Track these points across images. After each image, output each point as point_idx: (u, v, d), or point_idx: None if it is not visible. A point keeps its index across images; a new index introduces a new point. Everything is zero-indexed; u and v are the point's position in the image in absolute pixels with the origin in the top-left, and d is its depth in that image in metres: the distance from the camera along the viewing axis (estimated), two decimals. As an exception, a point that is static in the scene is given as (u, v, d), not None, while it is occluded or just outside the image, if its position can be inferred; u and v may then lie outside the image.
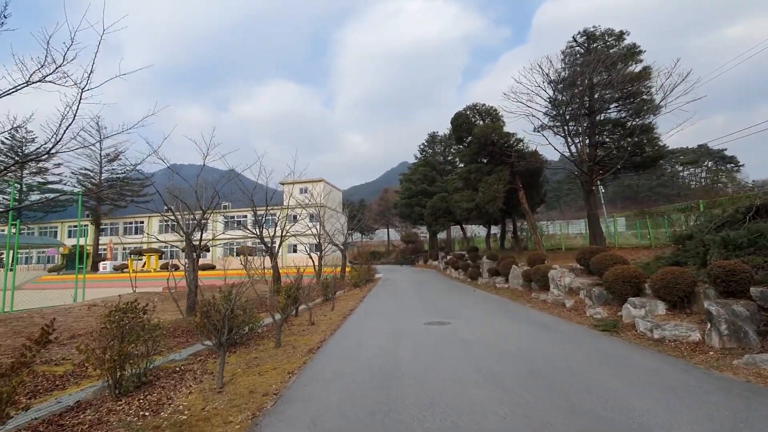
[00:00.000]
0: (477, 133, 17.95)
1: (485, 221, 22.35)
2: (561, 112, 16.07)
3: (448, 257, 33.58)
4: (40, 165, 53.48)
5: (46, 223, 57.92)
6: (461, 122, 20.64)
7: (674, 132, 14.12)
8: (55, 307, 14.58)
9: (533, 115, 16.30)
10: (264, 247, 17.98)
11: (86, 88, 5.51)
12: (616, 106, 18.22)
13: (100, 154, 52.00)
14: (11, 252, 17.14)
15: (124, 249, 53.75)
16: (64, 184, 53.53)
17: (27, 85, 5.66)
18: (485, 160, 19.61)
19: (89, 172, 51.98)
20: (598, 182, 18.34)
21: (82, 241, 20.83)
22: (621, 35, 17.36)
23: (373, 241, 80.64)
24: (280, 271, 16.89)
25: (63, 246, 53.04)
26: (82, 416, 4.67)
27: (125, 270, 42.09)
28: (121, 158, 51.56)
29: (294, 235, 21.70)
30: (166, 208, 12.18)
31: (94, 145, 48.95)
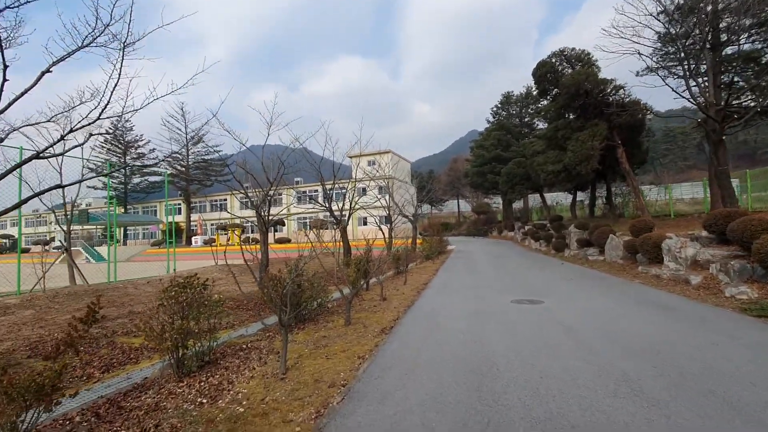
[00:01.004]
0: (566, 82, 15.40)
1: (573, 186, 19.77)
2: (679, 47, 13.02)
3: (527, 227, 31.13)
4: (139, 151, 59.43)
5: (148, 203, 64.63)
6: (545, 72, 18.00)
7: None
8: (149, 278, 15.65)
9: (640, 53, 13.42)
10: (334, 220, 17.66)
11: (127, 43, 5.02)
12: (749, 36, 14.50)
13: (186, 138, 56.25)
14: (112, 229, 18.82)
15: (212, 225, 58.40)
16: (159, 167, 59.02)
17: (79, 50, 5.31)
18: (574, 115, 16.97)
19: (178, 155, 56.52)
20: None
21: (171, 219, 22.38)
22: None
23: (443, 213, 78.82)
24: (350, 243, 16.49)
25: (161, 223, 59.14)
26: (143, 398, 4.32)
27: (213, 244, 45.65)
28: (204, 141, 55.25)
29: (363, 207, 21.24)
30: (238, 185, 12.12)
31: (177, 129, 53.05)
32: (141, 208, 65.53)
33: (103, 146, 56.24)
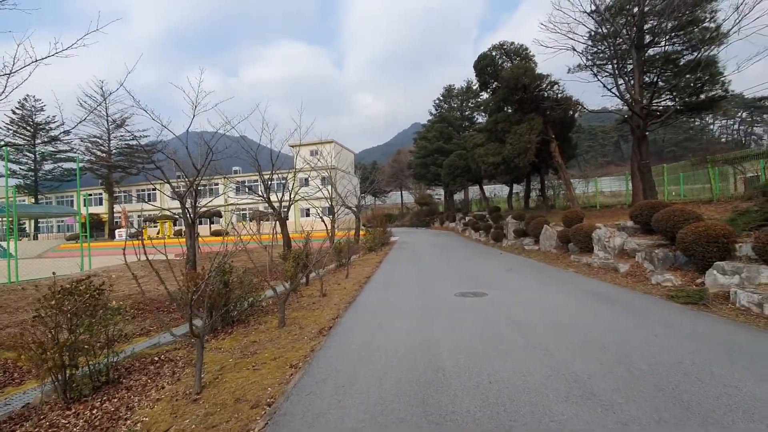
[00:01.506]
0: (506, 76, 15.66)
1: (512, 178, 20.42)
2: (609, 45, 13.67)
3: (467, 218, 31.92)
4: (51, 134, 52.75)
5: (63, 192, 57.78)
6: (486, 64, 18.24)
7: (745, 66, 11.71)
8: (58, 277, 13.68)
9: (575, 49, 13.93)
10: (273, 212, 16.65)
11: None
12: (670, 39, 15.62)
13: (107, 120, 50.77)
14: (11, 221, 16.24)
15: (139, 216, 53.66)
16: (75, 152, 52.81)
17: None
18: (512, 109, 17.38)
19: (98, 140, 50.95)
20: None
21: (86, 210, 19.87)
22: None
23: (387, 204, 79.21)
24: (291, 235, 15.64)
25: (81, 215, 53.05)
26: (17, 432, 3.45)
27: (140, 237, 41.84)
28: (128, 124, 50.20)
29: (305, 198, 20.38)
30: (166, 174, 10.81)
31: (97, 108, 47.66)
32: (55, 198, 58.43)
33: (8, 128, 49.06)
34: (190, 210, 10.94)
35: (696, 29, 14.57)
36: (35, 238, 48.64)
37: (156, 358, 5.09)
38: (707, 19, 14.33)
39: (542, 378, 3.58)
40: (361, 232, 26.52)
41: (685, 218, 8.12)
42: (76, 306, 3.91)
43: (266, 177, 16.24)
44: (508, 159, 15.99)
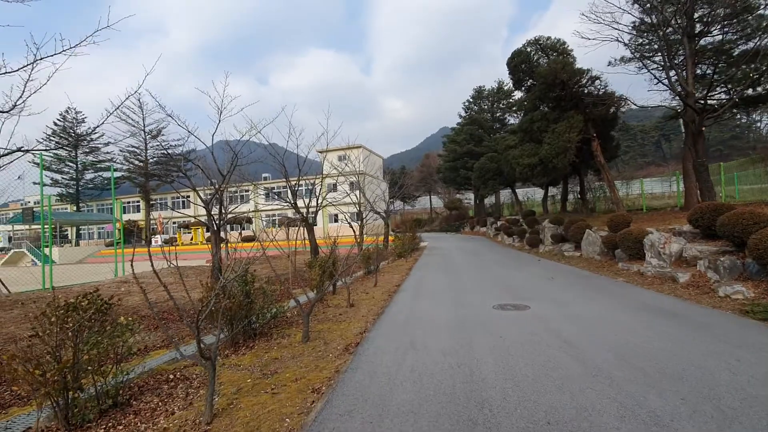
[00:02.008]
0: (543, 72, 14.79)
1: (549, 180, 19.37)
2: (657, 36, 12.61)
3: (499, 223, 30.85)
4: (92, 145, 55.61)
5: (103, 200, 60.60)
6: (520, 61, 17.38)
7: None
8: (92, 283, 13.95)
9: (619, 40, 12.93)
10: (300, 217, 16.44)
11: None
12: (722, 28, 14.34)
13: (144, 131, 52.87)
14: (46, 228, 16.85)
15: (174, 223, 55.50)
16: (115, 162, 55.33)
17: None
18: (548, 107, 16.45)
19: (135, 149, 53.13)
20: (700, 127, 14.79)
21: (119, 216, 20.43)
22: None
23: (416, 209, 78.52)
24: (318, 241, 15.35)
25: (118, 221, 55.54)
26: (8, 464, 3.11)
27: (175, 243, 43.10)
28: (164, 134, 52.07)
29: (332, 204, 20.14)
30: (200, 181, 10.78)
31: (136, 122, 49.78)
32: (96, 205, 61.39)
33: (50, 139, 52.22)
34: (216, 216, 10.80)
35: (750, 17, 13.30)
36: (77, 244, 51.08)
37: (172, 375, 4.75)
38: (763, 5, 13.05)
39: (614, 419, 2.92)
40: (390, 238, 26.04)
41: (755, 221, 7.13)
42: (80, 323, 3.59)
43: (293, 182, 16.08)
44: (546, 160, 15.07)
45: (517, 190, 34.53)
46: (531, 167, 16.11)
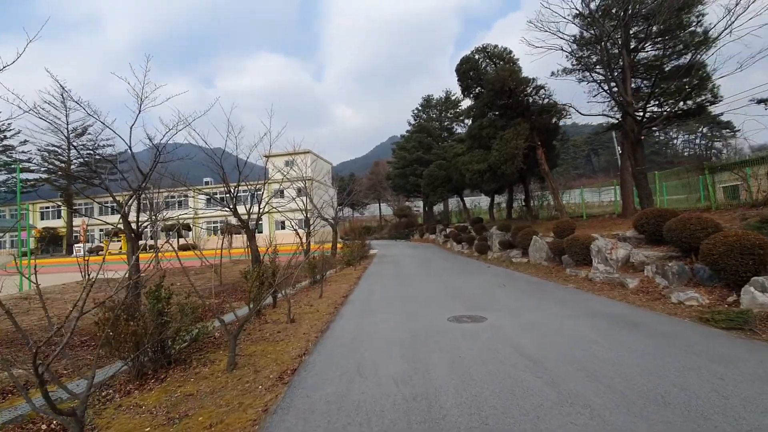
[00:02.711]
0: (491, 79, 14.85)
1: (496, 187, 19.57)
2: (599, 48, 13.06)
3: (448, 230, 31.00)
4: (5, 143, 49.37)
5: (16, 205, 53.71)
6: (469, 68, 17.44)
7: (735, 71, 11.17)
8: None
9: (563, 49, 13.27)
10: (240, 224, 15.13)
11: None
12: (655, 44, 15.20)
13: (67, 129, 47.68)
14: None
15: (100, 231, 50.53)
16: (31, 162, 49.46)
17: None
18: (496, 114, 16.58)
19: (56, 149, 47.82)
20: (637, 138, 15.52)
21: (45, 224, 17.77)
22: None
23: (365, 217, 77.99)
24: (260, 249, 14.14)
25: (34, 229, 49.60)
26: None
27: (100, 252, 38.98)
28: (90, 133, 47.30)
29: (278, 210, 18.95)
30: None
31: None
32: (8, 210, 54.33)
33: (-49, 135, 45.63)
34: (139, 222, 9.38)
35: (682, 33, 14.18)
36: (-19, 254, 44.83)
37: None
38: (695, 23, 13.94)
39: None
40: (339, 245, 25.15)
41: (702, 227, 7.21)
42: None
43: (233, 187, 14.77)
44: (495, 166, 15.09)
45: (465, 198, 35.07)
46: (480, 173, 16.09)
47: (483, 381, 3.77)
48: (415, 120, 43.37)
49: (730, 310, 5.53)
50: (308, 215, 22.79)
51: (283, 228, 42.04)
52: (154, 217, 20.67)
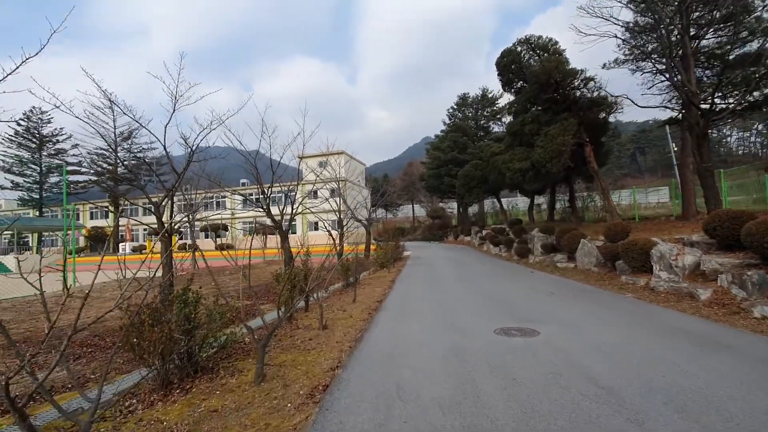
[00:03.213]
0: (536, 71, 13.91)
1: (540, 186, 18.45)
2: (657, 35, 11.93)
3: (484, 232, 29.98)
4: (58, 147, 52.79)
5: (68, 205, 57.22)
6: (510, 61, 16.52)
7: None
8: (25, 298, 12.21)
9: (617, 36, 12.19)
10: (273, 225, 15.05)
11: None
12: (716, 31, 13.80)
13: (114, 134, 50.29)
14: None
15: (144, 230, 52.87)
16: (82, 166, 52.55)
17: None
18: (540, 109, 15.58)
19: (104, 152, 50.47)
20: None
21: (71, 222, 18.57)
22: None
23: (398, 218, 77.61)
24: (292, 250, 13.97)
25: (84, 228, 52.64)
26: None
27: (144, 251, 40.69)
28: (136, 136, 49.63)
29: (311, 211, 18.86)
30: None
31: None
32: (60, 211, 57.96)
33: (12, 140, 49.22)
34: (173, 221, 9.36)
35: (747, 19, 12.79)
36: (38, 251, 47.96)
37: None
38: (761, 8, 12.54)
39: None
40: (372, 247, 24.78)
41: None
42: None
43: (266, 188, 14.71)
44: (538, 164, 14.14)
45: (501, 199, 33.84)
46: (522, 172, 15.15)
47: (548, 414, 3.16)
48: (450, 119, 42.40)
49: None
50: (341, 216, 22.61)
51: (316, 229, 42.28)
52: (191, 216, 21.13)
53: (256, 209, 16.74)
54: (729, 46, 13.06)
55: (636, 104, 12.78)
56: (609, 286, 9.94)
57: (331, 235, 21.46)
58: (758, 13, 12.76)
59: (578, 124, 14.17)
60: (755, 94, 12.66)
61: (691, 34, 13.48)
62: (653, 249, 9.36)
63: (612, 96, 13.67)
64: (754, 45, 12.85)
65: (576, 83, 14.46)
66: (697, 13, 13.61)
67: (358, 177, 46.12)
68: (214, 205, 48.39)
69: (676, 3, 12.47)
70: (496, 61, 17.35)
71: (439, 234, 45.79)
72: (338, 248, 20.35)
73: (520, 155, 15.40)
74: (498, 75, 17.56)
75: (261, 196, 14.63)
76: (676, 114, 14.08)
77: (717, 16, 12.96)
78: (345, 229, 21.93)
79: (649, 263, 9.57)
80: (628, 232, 12.08)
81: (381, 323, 7.02)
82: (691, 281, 8.12)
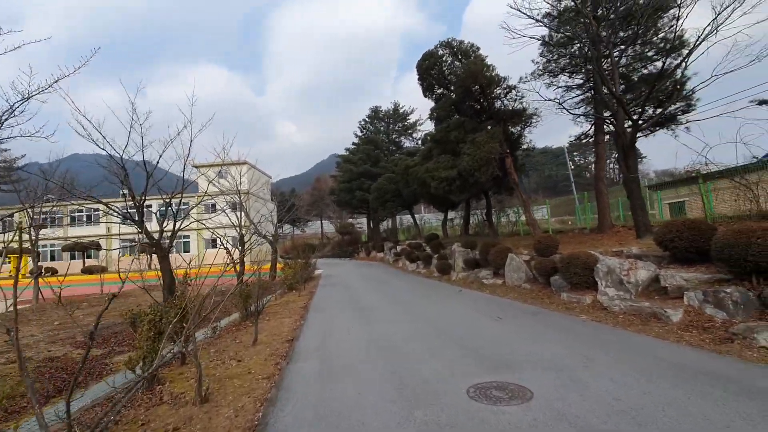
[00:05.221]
0: (462, 74, 12.99)
1: (469, 195, 17.63)
2: (580, 47, 11.86)
3: (399, 247, 28.89)
4: None
5: None
6: (432, 64, 15.50)
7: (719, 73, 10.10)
8: None
9: (545, 41, 11.81)
10: (150, 243, 11.63)
11: None
12: (625, 50, 14.35)
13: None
14: None
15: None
16: None
17: None
18: (466, 115, 14.76)
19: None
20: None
21: None
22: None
23: (306, 234, 74.11)
24: (174, 273, 10.74)
25: None
26: None
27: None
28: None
29: (205, 227, 15.60)
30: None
31: None
32: None
33: None
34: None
35: (657, 38, 13.46)
36: None
37: None
38: (670, 27, 13.19)
39: None
40: (279, 265, 21.89)
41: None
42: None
43: (140, 197, 11.31)
44: (466, 173, 13.13)
45: (414, 215, 33.33)
46: (449, 181, 14.04)
47: None
48: (362, 132, 41.33)
49: None
50: (243, 231, 19.49)
51: (214, 246, 37.29)
52: (33, 231, 16.17)
53: (130, 224, 12.95)
54: (642, 62, 13.62)
55: (568, 111, 12.56)
56: (552, 306, 8.91)
57: (229, 252, 17.83)
58: (663, 34, 13.40)
59: (502, 134, 13.60)
60: (660, 110, 13.26)
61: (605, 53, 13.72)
62: (598, 263, 8.55)
63: (544, 98, 13.37)
64: (677, 60, 13.08)
65: (498, 91, 13.97)
66: (611, 30, 13.94)
67: (263, 188, 42.23)
68: (83, 219, 40.36)
69: (593, 20, 12.47)
70: (417, 63, 16.30)
71: (350, 250, 44.04)
72: (237, 268, 17.18)
73: (446, 163, 14.35)
74: (418, 79, 16.56)
75: (133, 210, 11.19)
76: (590, 129, 14.36)
77: (630, 33, 13.33)
78: (247, 246, 18.83)
79: (591, 279, 8.75)
80: (557, 245, 11.46)
81: (295, 385, 4.71)
82: (646, 298, 7.32)
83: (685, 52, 11.34)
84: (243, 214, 20.68)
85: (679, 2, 10.83)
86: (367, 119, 41.08)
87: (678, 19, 10.82)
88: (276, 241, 24.09)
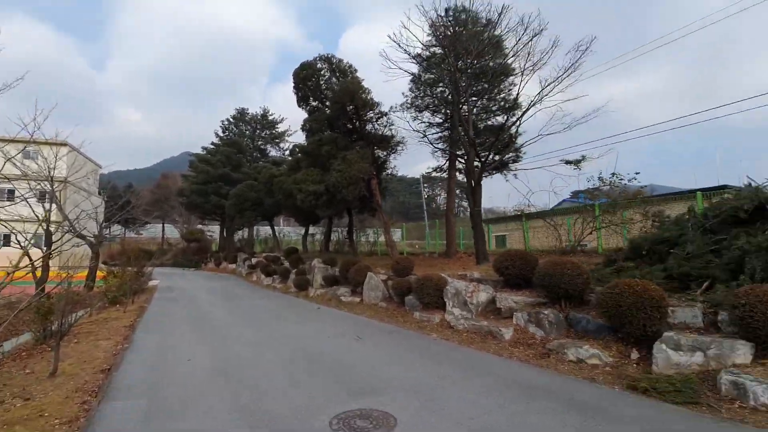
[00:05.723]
0: (338, 91, 13.07)
1: (335, 211, 17.43)
2: (444, 89, 13.23)
3: (254, 260, 27.11)
4: None
5: None
6: (309, 75, 15.22)
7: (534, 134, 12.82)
8: None
9: (418, 76, 12.81)
10: None
11: None
12: (475, 102, 16.63)
13: None
14: None
15: None
16: None
17: None
18: (339, 132, 14.88)
19: None
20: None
21: None
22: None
23: (143, 237, 63.78)
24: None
25: None
26: None
27: None
28: None
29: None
30: None
31: None
32: None
33: None
34: None
35: (500, 97, 15.88)
36: None
37: None
38: (509, 91, 15.74)
39: None
40: (100, 273, 18.12)
41: (578, 273, 6.83)
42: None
43: None
44: (334, 189, 13.10)
45: (274, 227, 31.94)
46: (317, 195, 13.78)
47: None
48: (225, 132, 38.16)
49: (670, 377, 4.72)
50: (52, 228, 15.57)
51: (7, 244, 28.88)
52: None
53: None
54: (484, 114, 15.85)
55: (431, 143, 13.84)
56: (407, 324, 9.34)
57: (27, 254, 14.00)
58: (504, 94, 15.87)
59: (371, 155, 14.15)
60: (498, 157, 15.64)
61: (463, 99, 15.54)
62: (448, 285, 9.34)
63: (401, 135, 14.37)
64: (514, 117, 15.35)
65: (371, 115, 14.58)
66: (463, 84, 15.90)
67: (88, 178, 34.88)
68: None
69: (460, 70, 14.04)
70: (294, 71, 15.86)
71: (197, 260, 39.47)
72: (38, 274, 13.65)
73: (315, 177, 14.12)
74: (294, 87, 16.12)
75: None
76: (445, 164, 16.11)
77: (476, 89, 15.42)
78: (56, 247, 15.04)
79: (441, 299, 9.51)
80: (412, 267, 12.23)
81: (110, 432, 3.69)
82: (485, 318, 8.24)
83: (518, 113, 13.68)
84: (54, 206, 16.74)
85: (517, 72, 13.11)
86: (231, 120, 38.20)
87: (516, 86, 13.07)
88: (100, 244, 19.94)
